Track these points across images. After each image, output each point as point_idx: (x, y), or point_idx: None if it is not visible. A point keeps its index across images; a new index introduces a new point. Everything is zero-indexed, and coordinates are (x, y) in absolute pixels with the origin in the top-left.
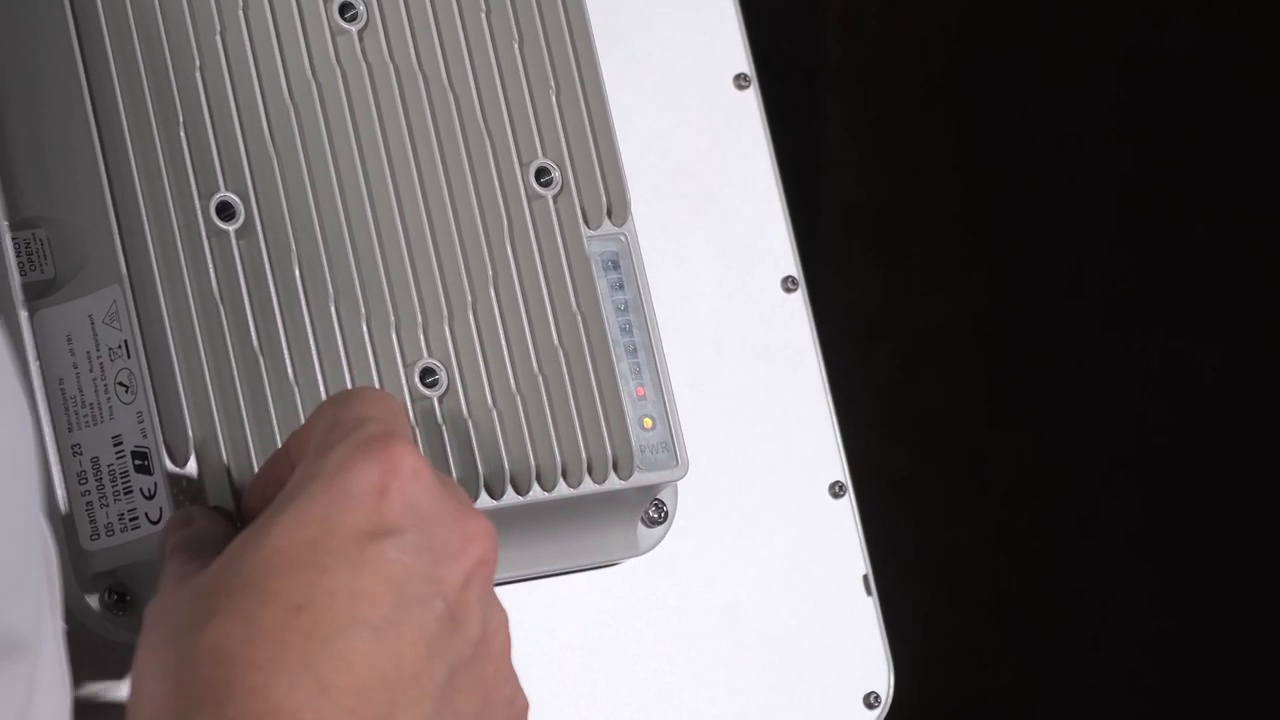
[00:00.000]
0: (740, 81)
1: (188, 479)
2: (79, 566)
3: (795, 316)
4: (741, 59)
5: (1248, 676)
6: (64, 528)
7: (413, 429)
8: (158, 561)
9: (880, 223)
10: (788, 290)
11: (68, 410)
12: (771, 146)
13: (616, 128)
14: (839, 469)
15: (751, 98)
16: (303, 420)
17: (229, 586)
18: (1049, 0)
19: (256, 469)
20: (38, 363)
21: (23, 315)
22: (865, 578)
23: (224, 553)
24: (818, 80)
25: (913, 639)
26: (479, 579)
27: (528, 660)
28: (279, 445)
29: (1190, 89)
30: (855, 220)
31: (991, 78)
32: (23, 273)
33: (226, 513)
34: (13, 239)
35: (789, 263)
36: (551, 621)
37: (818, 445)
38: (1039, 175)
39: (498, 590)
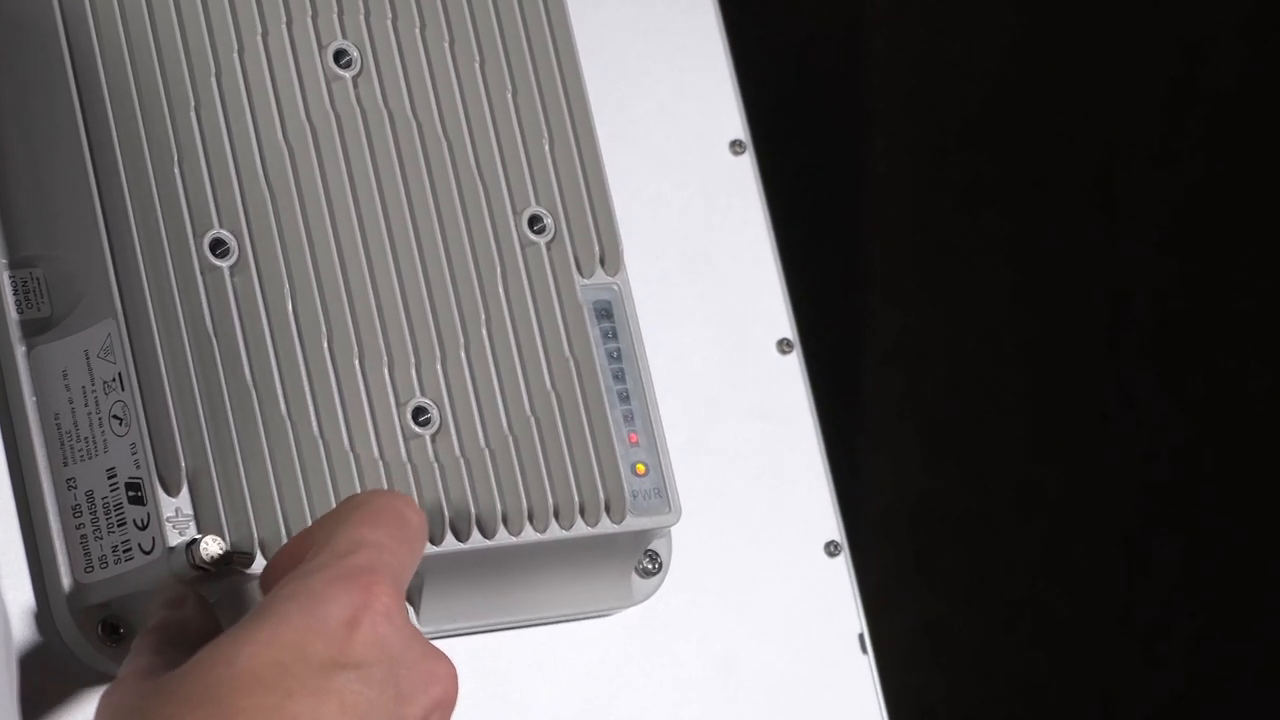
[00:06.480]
0: (736, 148)
1: (180, 510)
2: (73, 599)
3: (791, 378)
4: (737, 125)
5: None
6: (57, 562)
7: (420, 505)
8: (149, 602)
9: (927, 250)
10: (783, 352)
11: (63, 445)
12: (767, 211)
13: (614, 189)
14: (834, 528)
15: (747, 163)
16: (295, 454)
17: (194, 697)
18: (1093, 32)
19: (249, 501)
20: (34, 399)
21: (19, 352)
22: (860, 636)
23: (194, 658)
24: (862, 112)
25: (961, 667)
26: None
27: (521, 708)
28: (270, 477)
29: (1234, 117)
30: (903, 248)
31: (1037, 109)
32: (20, 311)
33: (230, 558)
34: (10, 278)
35: (784, 325)
36: (545, 669)
37: (813, 505)
38: (1085, 204)
39: (490, 637)
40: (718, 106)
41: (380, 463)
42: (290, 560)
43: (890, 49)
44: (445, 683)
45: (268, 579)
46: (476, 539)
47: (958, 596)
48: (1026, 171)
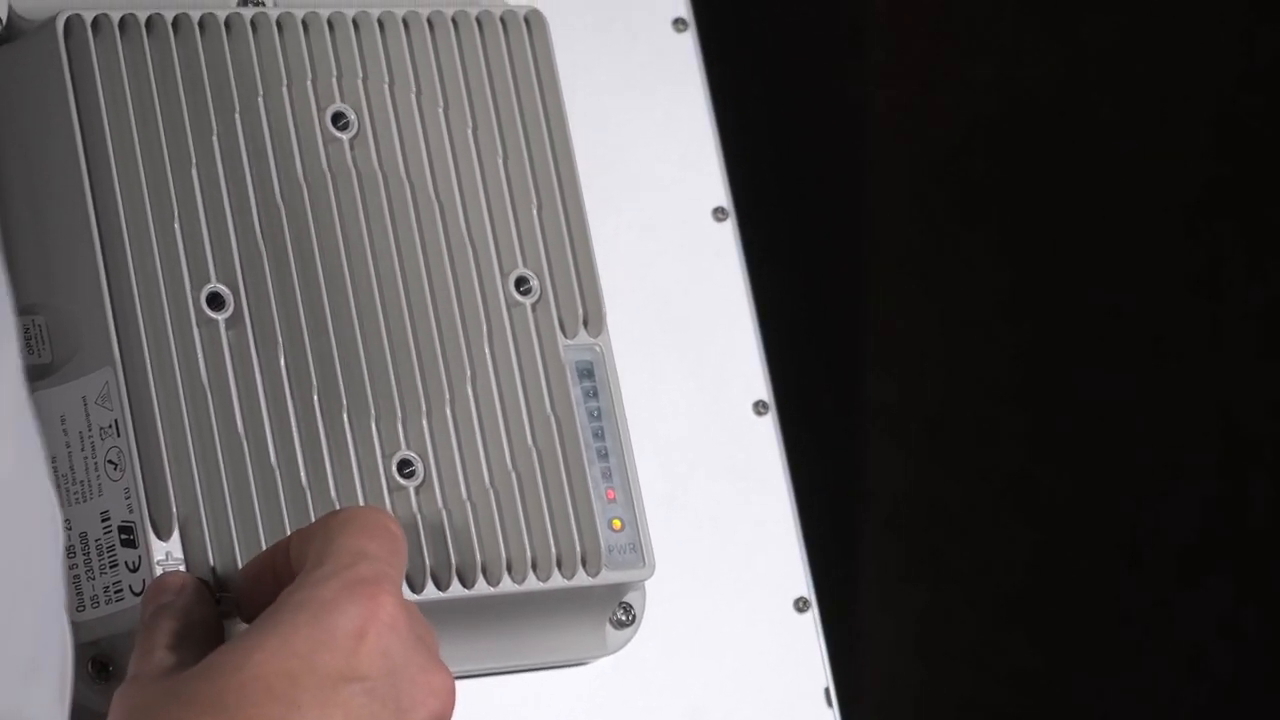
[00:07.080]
0: (718, 214)
1: (170, 554)
2: None
3: (766, 439)
4: (720, 193)
5: None
6: None
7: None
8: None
9: (927, 251)
10: (759, 414)
11: (60, 488)
12: (747, 277)
13: (598, 252)
14: (804, 585)
15: (729, 229)
16: (283, 503)
17: (203, 704)
18: (1093, 34)
19: (237, 546)
20: None
21: None
22: (827, 690)
23: (205, 662)
24: (865, 122)
25: (958, 664)
26: None
27: None
28: (259, 524)
29: (1235, 118)
30: (903, 249)
31: (1037, 110)
32: (21, 356)
33: (207, 587)
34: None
35: (761, 388)
36: (520, 716)
37: (785, 561)
38: (1085, 205)
39: (469, 682)
40: (702, 175)
41: None
42: (264, 572)
43: (891, 53)
44: (443, 696)
45: (242, 582)
46: (456, 588)
47: (956, 594)
48: (1026, 173)
